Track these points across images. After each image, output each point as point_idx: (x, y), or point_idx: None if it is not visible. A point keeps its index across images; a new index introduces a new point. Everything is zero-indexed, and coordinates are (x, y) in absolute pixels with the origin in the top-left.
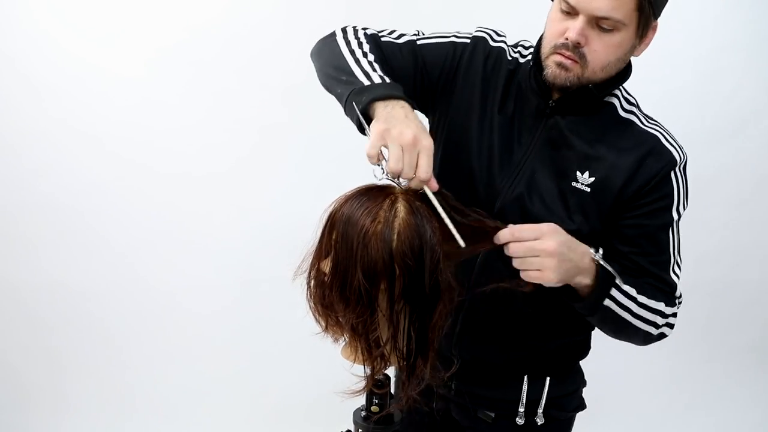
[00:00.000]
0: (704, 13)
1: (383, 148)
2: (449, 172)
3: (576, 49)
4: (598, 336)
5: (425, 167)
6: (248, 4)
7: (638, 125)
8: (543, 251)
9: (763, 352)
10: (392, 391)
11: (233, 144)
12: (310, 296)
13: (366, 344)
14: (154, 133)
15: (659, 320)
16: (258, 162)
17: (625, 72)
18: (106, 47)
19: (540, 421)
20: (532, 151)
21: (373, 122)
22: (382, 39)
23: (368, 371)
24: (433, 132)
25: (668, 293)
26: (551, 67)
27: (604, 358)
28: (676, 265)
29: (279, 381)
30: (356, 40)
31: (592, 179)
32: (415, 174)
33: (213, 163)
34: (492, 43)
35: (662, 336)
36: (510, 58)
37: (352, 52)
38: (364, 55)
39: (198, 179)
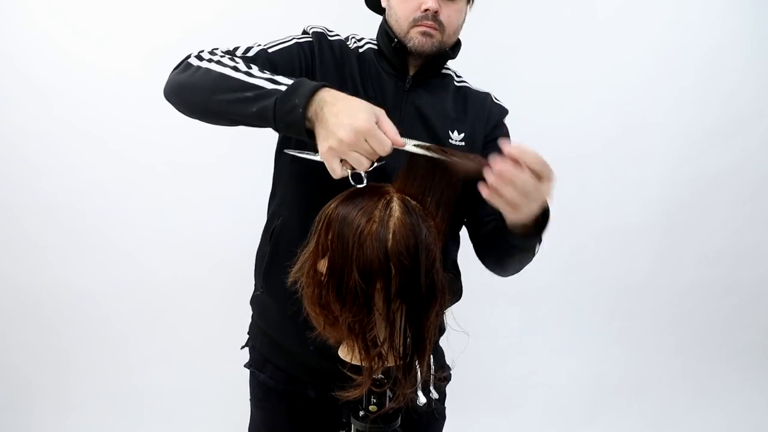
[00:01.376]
0: (705, 14)
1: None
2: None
3: (435, 18)
4: (598, 337)
5: (379, 145)
6: (240, 5)
7: (472, 89)
8: (536, 194)
9: (763, 352)
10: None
11: (232, 139)
12: (308, 296)
13: (363, 343)
14: (155, 131)
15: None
16: (263, 156)
17: (459, 43)
18: (105, 46)
19: (435, 395)
20: (404, 126)
21: (318, 143)
22: (238, 56)
23: (366, 370)
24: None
25: None
26: (416, 38)
27: (604, 360)
28: None
29: None
30: (227, 58)
31: (462, 134)
32: (379, 154)
33: (215, 158)
34: (330, 38)
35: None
36: (351, 48)
37: (236, 69)
38: (249, 68)
39: (199, 174)
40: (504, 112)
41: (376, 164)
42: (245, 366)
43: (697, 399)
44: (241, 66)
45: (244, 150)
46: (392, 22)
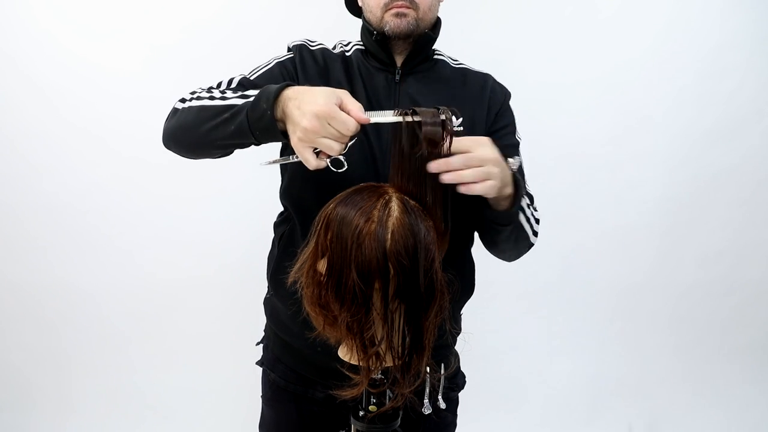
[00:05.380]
0: (705, 14)
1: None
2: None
3: None
4: (598, 337)
5: (342, 126)
6: (240, 5)
7: (471, 70)
8: (486, 160)
9: (763, 352)
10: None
11: None
12: (307, 296)
13: (361, 343)
14: (155, 130)
15: (536, 226)
16: (264, 155)
17: (438, 22)
18: (106, 46)
19: (443, 405)
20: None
21: (292, 143)
22: (217, 88)
23: (363, 370)
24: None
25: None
26: (391, 21)
27: (604, 360)
28: (527, 184)
29: None
30: (204, 93)
31: (461, 119)
32: (345, 135)
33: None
34: (312, 47)
35: (531, 246)
36: (336, 53)
37: (212, 98)
38: (223, 93)
39: (200, 173)
40: (507, 94)
41: (349, 144)
42: (257, 363)
43: (697, 399)
44: (217, 94)
45: (245, 149)
46: (368, 15)
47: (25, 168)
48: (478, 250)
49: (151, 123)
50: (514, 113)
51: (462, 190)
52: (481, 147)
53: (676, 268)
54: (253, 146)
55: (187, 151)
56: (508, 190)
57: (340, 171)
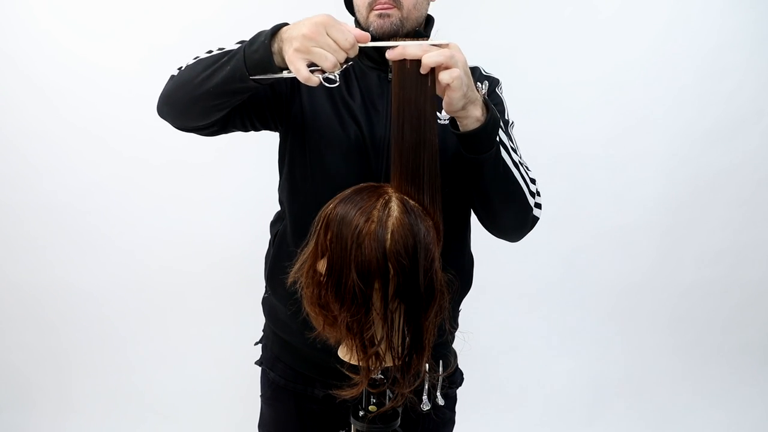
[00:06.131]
0: (705, 13)
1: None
2: (326, 165)
3: None
4: (598, 337)
5: (341, 35)
6: (239, 4)
7: None
8: (455, 53)
9: (763, 352)
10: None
11: (232, 137)
12: (307, 296)
13: (361, 343)
14: (155, 130)
15: (532, 186)
16: (263, 153)
17: (431, 20)
18: (106, 45)
19: (441, 402)
20: (393, 114)
21: (285, 56)
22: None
23: (363, 370)
24: (289, 139)
25: None
26: (375, 22)
27: (604, 360)
28: (524, 161)
29: None
30: (202, 54)
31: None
32: (343, 48)
33: (215, 157)
34: None
35: (535, 219)
36: None
37: (210, 52)
38: (221, 47)
39: (200, 172)
40: (494, 81)
41: (343, 66)
42: (256, 363)
43: (697, 399)
44: (215, 49)
45: (244, 148)
46: (357, 15)
47: (25, 168)
48: (479, 249)
49: (151, 123)
50: (508, 102)
51: (424, 69)
52: (452, 48)
53: (676, 268)
54: (252, 132)
55: (179, 113)
56: (477, 111)
57: (332, 86)
